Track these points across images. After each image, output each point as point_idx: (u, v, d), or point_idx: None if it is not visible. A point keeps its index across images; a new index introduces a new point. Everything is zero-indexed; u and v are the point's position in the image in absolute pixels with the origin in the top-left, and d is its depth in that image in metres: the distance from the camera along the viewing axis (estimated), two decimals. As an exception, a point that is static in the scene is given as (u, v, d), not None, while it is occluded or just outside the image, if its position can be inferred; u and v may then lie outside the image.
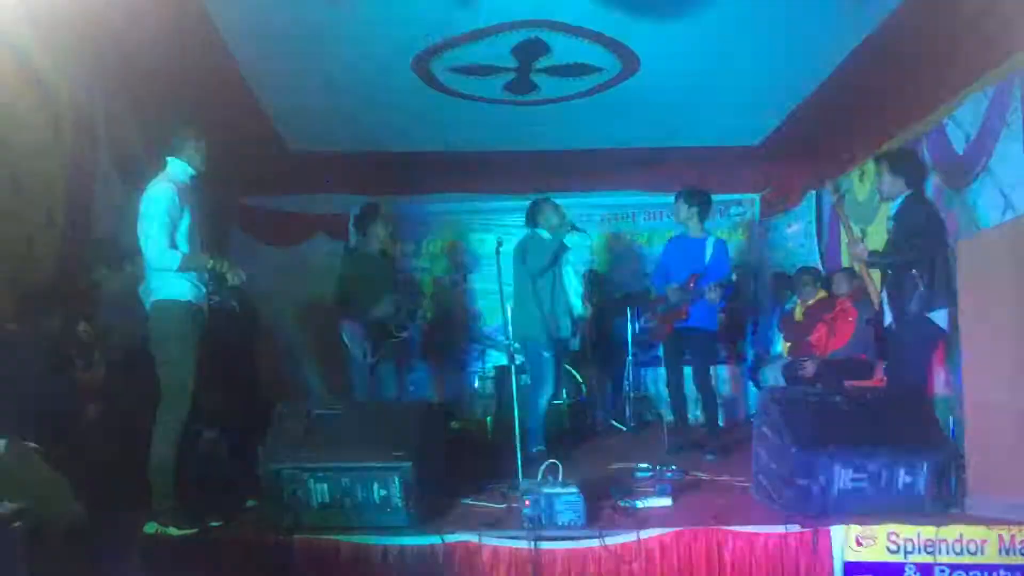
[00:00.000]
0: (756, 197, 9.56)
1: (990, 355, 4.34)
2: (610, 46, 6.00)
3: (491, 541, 4.07)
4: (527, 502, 4.11)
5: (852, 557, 4.03)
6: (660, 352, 8.36)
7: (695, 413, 7.11)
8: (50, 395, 4.76)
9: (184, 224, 4.40)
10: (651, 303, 6.80)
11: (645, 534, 4.07)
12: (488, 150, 8.38)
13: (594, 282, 8.79)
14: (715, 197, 6.71)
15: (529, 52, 6.09)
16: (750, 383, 8.73)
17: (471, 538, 4.07)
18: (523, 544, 4.03)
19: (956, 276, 4.65)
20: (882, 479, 4.23)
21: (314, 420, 4.58)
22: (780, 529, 4.06)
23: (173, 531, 4.19)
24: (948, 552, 4.00)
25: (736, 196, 9.45)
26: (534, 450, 5.70)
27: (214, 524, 4.33)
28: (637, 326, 8.39)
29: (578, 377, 7.86)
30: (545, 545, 4.04)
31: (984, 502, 4.20)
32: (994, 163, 5.58)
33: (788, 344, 7.71)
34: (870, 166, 7.29)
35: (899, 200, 5.07)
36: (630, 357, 8.40)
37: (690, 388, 6.57)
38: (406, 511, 4.22)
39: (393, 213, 7.40)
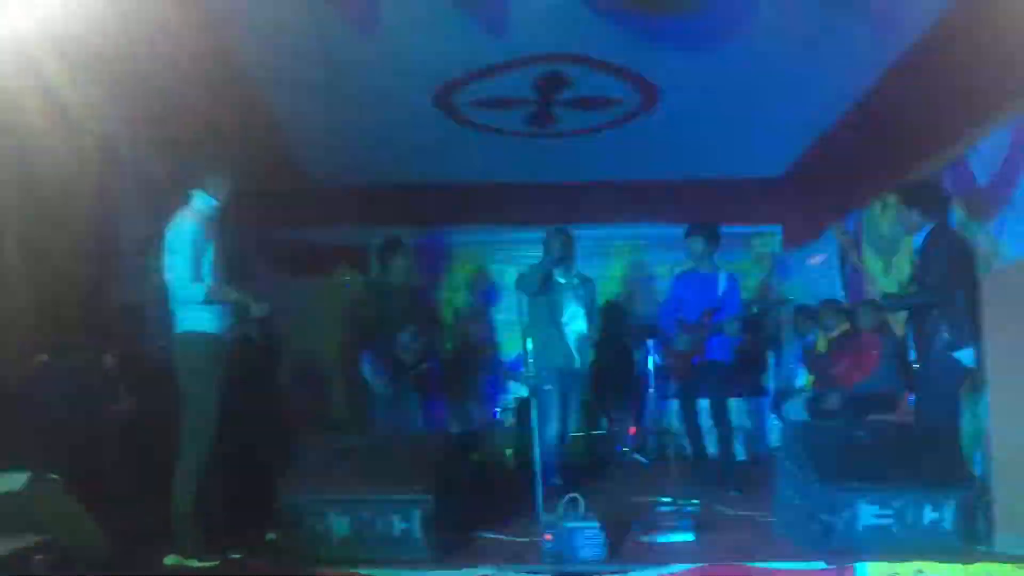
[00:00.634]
0: (778, 229, 9.52)
1: (1018, 390, 4.28)
2: (630, 79, 6.03)
3: (512, 576, 4.04)
4: (548, 536, 4.08)
5: (878, 595, 3.97)
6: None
7: (712, 446, 7.05)
8: (76, 427, 4.80)
9: (208, 256, 4.43)
10: (666, 341, 6.75)
11: (667, 570, 4.01)
12: (509, 182, 8.42)
13: (614, 314, 8.78)
14: (737, 229, 6.68)
15: (550, 85, 6.13)
16: (772, 416, 8.66)
17: (491, 572, 4.03)
18: (544, 579, 4.00)
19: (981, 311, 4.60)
20: (908, 516, 4.17)
21: (334, 452, 4.59)
22: (804, 566, 4.00)
23: (194, 563, 4.19)
24: (976, 591, 3.93)
25: (758, 228, 9.42)
26: (550, 484, 5.62)
27: (234, 556, 4.32)
28: (658, 358, 8.36)
29: (599, 409, 7.82)
30: (567, 581, 4.00)
31: (1013, 540, 4.12)
32: (1018, 195, 5.53)
33: (811, 377, 7.65)
34: (892, 198, 7.26)
35: (923, 233, 5.02)
36: (652, 389, 8.35)
37: (705, 421, 6.53)
38: (426, 545, 4.20)
39: (413, 246, 7.43)
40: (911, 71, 5.64)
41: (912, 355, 5.06)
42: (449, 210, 8.96)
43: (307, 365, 8.59)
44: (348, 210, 8.71)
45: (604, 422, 7.93)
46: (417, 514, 4.18)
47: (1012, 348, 4.29)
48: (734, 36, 5.32)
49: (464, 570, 4.05)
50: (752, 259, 9.37)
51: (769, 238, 9.56)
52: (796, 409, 7.19)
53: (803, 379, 7.95)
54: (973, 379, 5.19)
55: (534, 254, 7.29)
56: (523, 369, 5.73)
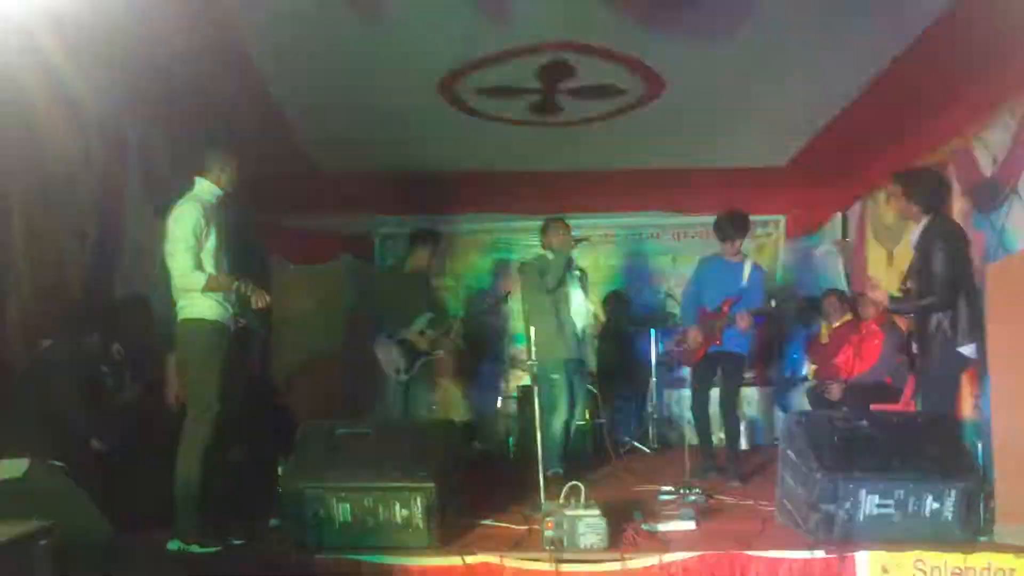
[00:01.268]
0: (782, 218, 9.51)
1: (1019, 380, 4.28)
2: (635, 68, 6.01)
3: (513, 563, 4.04)
4: (549, 524, 4.09)
5: (878, 584, 3.98)
6: (684, 373, 8.35)
7: (717, 435, 7.06)
8: (80, 412, 4.82)
9: (210, 244, 4.43)
10: (682, 328, 6.70)
11: (668, 558, 4.03)
12: (513, 170, 8.41)
13: (617, 302, 8.79)
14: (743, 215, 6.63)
15: (554, 74, 6.11)
16: (776, 406, 8.68)
17: (493, 560, 4.05)
18: (545, 566, 4.01)
19: (984, 302, 4.59)
20: (909, 505, 4.17)
21: (337, 439, 4.60)
22: (805, 555, 4.01)
23: (196, 549, 4.21)
24: (976, 580, 3.94)
25: (762, 217, 9.40)
26: (550, 472, 5.59)
27: (236, 542, 4.35)
28: (661, 347, 8.37)
29: (601, 398, 7.83)
30: (567, 567, 4.01)
31: (1013, 530, 4.13)
32: (1022, 185, 5.53)
33: (814, 367, 7.66)
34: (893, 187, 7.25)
35: (920, 227, 4.97)
36: (654, 378, 8.37)
37: (713, 409, 6.53)
38: (428, 532, 4.21)
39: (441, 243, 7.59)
40: (916, 61, 5.62)
41: (915, 348, 5.04)
42: (453, 198, 8.96)
43: (313, 351, 8.61)
44: (353, 197, 8.73)
45: (607, 411, 7.93)
46: (419, 501, 4.20)
47: (1014, 338, 4.29)
48: (739, 26, 5.30)
49: (465, 557, 4.06)
50: (755, 248, 9.36)
51: (773, 227, 9.55)
52: (798, 399, 7.21)
53: (805, 369, 7.96)
54: (975, 370, 5.19)
55: (538, 242, 7.33)
56: (527, 358, 5.76)
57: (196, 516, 4.27)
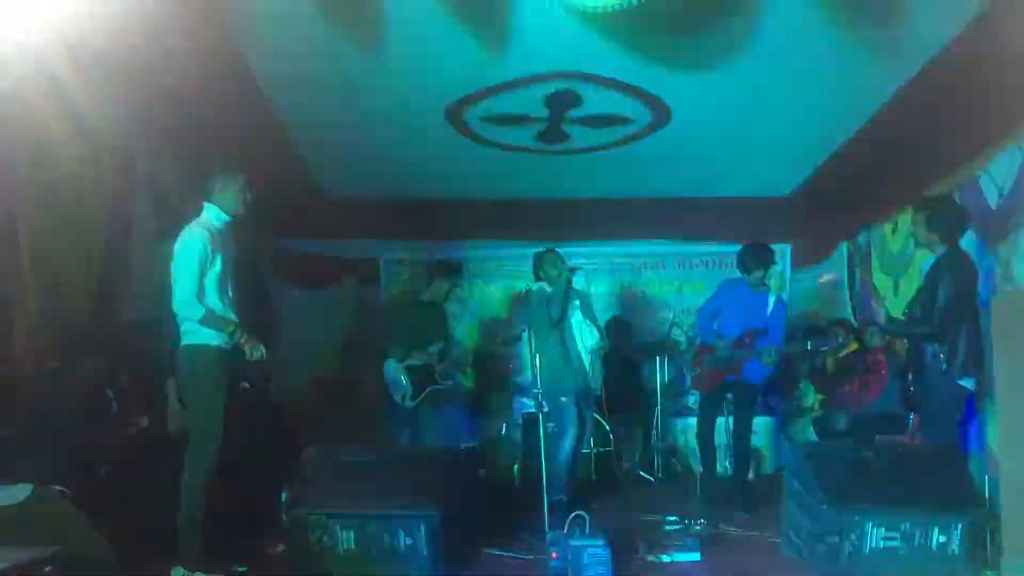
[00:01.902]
0: (787, 248, 9.52)
1: (1025, 412, 4.26)
2: (642, 97, 6.04)
3: (517, 593, 4.04)
4: (554, 554, 4.08)
5: (884, 617, 3.95)
6: (689, 402, 8.32)
7: (723, 464, 7.03)
8: (83, 436, 4.82)
9: (214, 271, 4.43)
10: (698, 351, 6.61)
11: (673, 589, 4.02)
12: (519, 198, 8.43)
13: (618, 328, 8.77)
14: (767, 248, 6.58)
15: (561, 103, 6.14)
16: (780, 435, 8.63)
17: (496, 589, 4.05)
18: (550, 596, 4.00)
19: (989, 335, 4.58)
20: (915, 538, 4.15)
21: (342, 465, 4.60)
22: (811, 588, 4.00)
23: (199, 575, 4.19)
24: (983, 615, 3.91)
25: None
26: (554, 499, 5.56)
27: (241, 569, 4.33)
28: (667, 374, 8.35)
29: (606, 426, 7.81)
30: (572, 598, 4.00)
31: (1020, 564, 4.10)
32: (1028, 218, 5.53)
33: (820, 396, 7.63)
34: (903, 218, 7.25)
35: (934, 256, 4.97)
36: (659, 407, 8.34)
37: (720, 439, 6.49)
38: (431, 559, 4.20)
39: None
40: (921, 92, 5.64)
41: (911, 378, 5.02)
42: (459, 225, 8.98)
43: (317, 376, 8.59)
44: (358, 222, 8.75)
45: (611, 439, 7.90)
46: (423, 529, 4.19)
47: (1020, 370, 4.28)
48: (745, 57, 5.33)
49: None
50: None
51: (778, 257, 9.53)
52: (804, 429, 7.18)
53: (811, 399, 7.93)
54: (978, 402, 5.17)
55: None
56: (532, 387, 5.75)
57: (200, 542, 4.26)
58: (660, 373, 8.37)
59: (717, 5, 4.72)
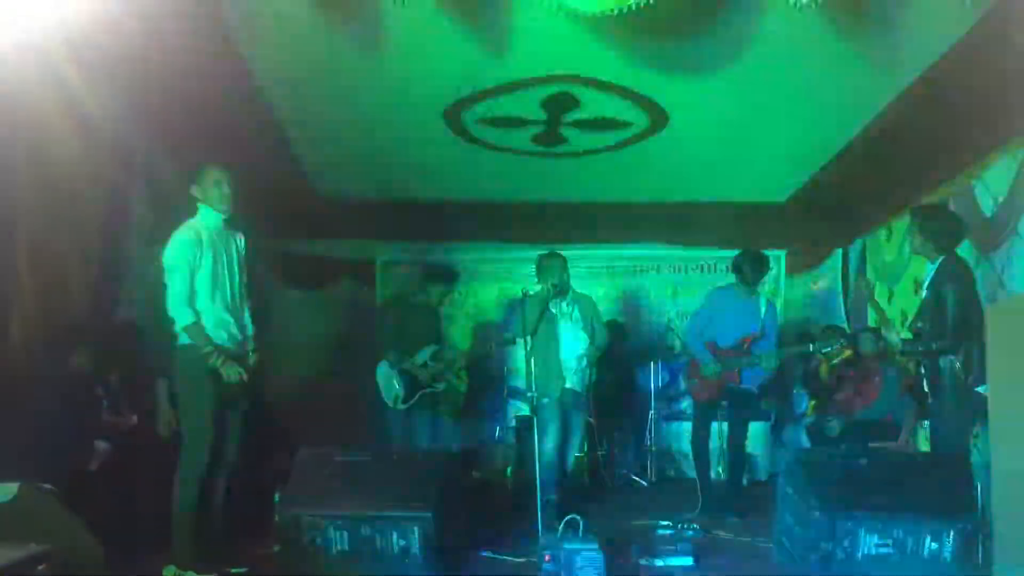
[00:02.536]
0: (782, 254, 9.53)
1: (1019, 421, 4.27)
2: (639, 102, 6.05)
3: (510, 596, 4.04)
4: (547, 557, 4.07)
5: (876, 624, 3.96)
6: (683, 406, 8.33)
7: (716, 469, 7.04)
8: (74, 433, 4.81)
9: (204, 272, 4.40)
10: (692, 362, 6.52)
11: (666, 594, 4.02)
12: (515, 201, 8.45)
13: (615, 333, 8.77)
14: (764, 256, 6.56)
15: (559, 106, 6.15)
16: (774, 441, 8.64)
17: (490, 592, 4.05)
18: (543, 600, 4.00)
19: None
20: (908, 545, 4.16)
21: (335, 466, 4.59)
22: (803, 593, 4.00)
23: (191, 575, 4.19)
24: (974, 622, 3.92)
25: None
26: (545, 499, 5.50)
27: (236, 571, 4.32)
28: (663, 380, 8.36)
29: (598, 429, 7.80)
30: (565, 602, 4.00)
31: (1012, 572, 4.11)
32: (1023, 226, 5.54)
33: (813, 402, 7.65)
34: (898, 226, 7.27)
35: (933, 267, 4.94)
36: (652, 411, 8.35)
37: (713, 444, 6.49)
38: (425, 562, 4.20)
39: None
40: (917, 102, 5.67)
41: (924, 387, 4.99)
42: (455, 227, 8.98)
43: (311, 377, 8.58)
44: (354, 224, 8.76)
45: (604, 443, 7.90)
46: (416, 531, 4.18)
47: (1014, 378, 4.28)
48: (743, 63, 5.35)
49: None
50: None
51: (773, 263, 9.56)
52: (797, 434, 7.19)
53: (804, 405, 7.94)
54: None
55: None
56: (526, 390, 5.74)
57: (193, 542, 4.25)
58: (654, 377, 8.37)
59: (715, 11, 4.73)
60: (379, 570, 4.19)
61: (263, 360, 4.81)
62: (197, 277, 4.38)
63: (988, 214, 5.97)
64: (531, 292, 6.10)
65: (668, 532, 5.35)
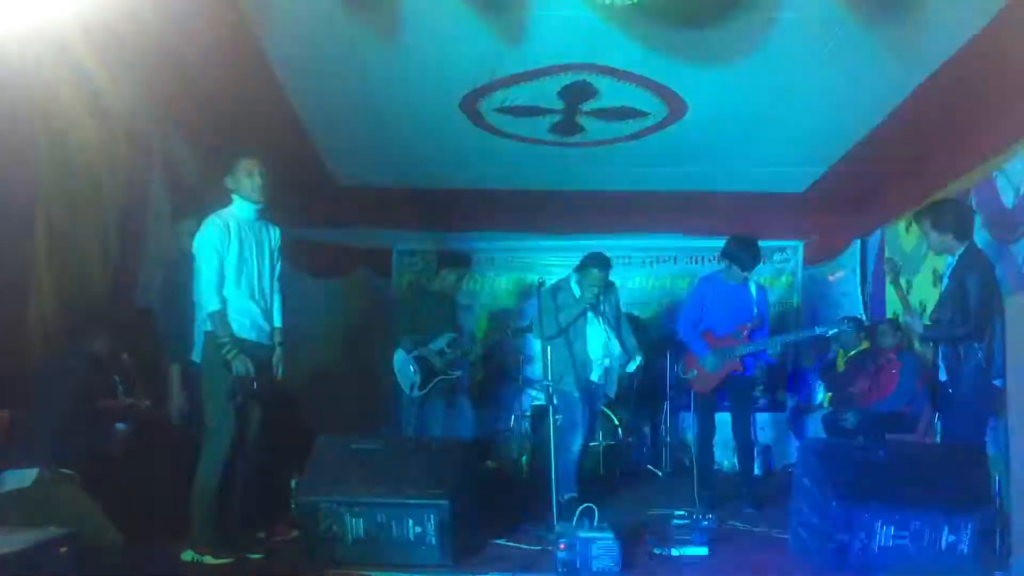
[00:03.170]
0: (800, 244, 9.50)
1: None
2: (657, 91, 6.02)
3: (525, 584, 4.05)
4: (562, 546, 4.09)
5: (892, 615, 3.95)
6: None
7: (731, 460, 7.02)
8: (91, 418, 4.85)
9: (231, 260, 4.44)
10: (688, 354, 6.44)
11: (681, 583, 4.03)
12: (532, 189, 8.43)
13: (632, 325, 8.75)
14: (759, 243, 6.53)
15: (576, 95, 6.13)
16: (789, 432, 8.63)
17: (504, 580, 4.06)
18: (558, 588, 4.01)
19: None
20: (925, 537, 4.15)
21: (352, 454, 4.61)
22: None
23: (209, 560, 4.23)
24: (991, 614, 3.91)
25: (779, 243, 9.41)
26: (566, 497, 5.51)
27: (253, 556, 4.36)
28: (678, 370, 8.33)
29: (614, 420, 7.81)
30: (580, 590, 4.01)
31: (1029, 564, 4.09)
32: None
33: (829, 394, 7.62)
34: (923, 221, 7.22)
35: (954, 258, 4.92)
36: (667, 402, 8.34)
37: (725, 435, 6.46)
38: (440, 549, 4.22)
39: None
40: (938, 91, 5.62)
41: (943, 376, 4.96)
42: (471, 216, 8.99)
43: (329, 364, 8.61)
44: (372, 212, 8.77)
45: (620, 433, 7.90)
46: (432, 518, 4.20)
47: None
48: (762, 53, 5.31)
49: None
50: (772, 274, 9.34)
51: (791, 254, 9.54)
52: (814, 425, 7.17)
53: (821, 396, 7.92)
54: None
55: (555, 262, 7.27)
56: (542, 379, 5.74)
57: (212, 527, 4.29)
58: (669, 367, 8.36)
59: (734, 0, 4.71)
60: (395, 557, 4.21)
61: (288, 352, 4.81)
62: (225, 264, 4.42)
63: (1009, 205, 5.91)
64: (545, 287, 6.04)
65: (683, 522, 5.34)
